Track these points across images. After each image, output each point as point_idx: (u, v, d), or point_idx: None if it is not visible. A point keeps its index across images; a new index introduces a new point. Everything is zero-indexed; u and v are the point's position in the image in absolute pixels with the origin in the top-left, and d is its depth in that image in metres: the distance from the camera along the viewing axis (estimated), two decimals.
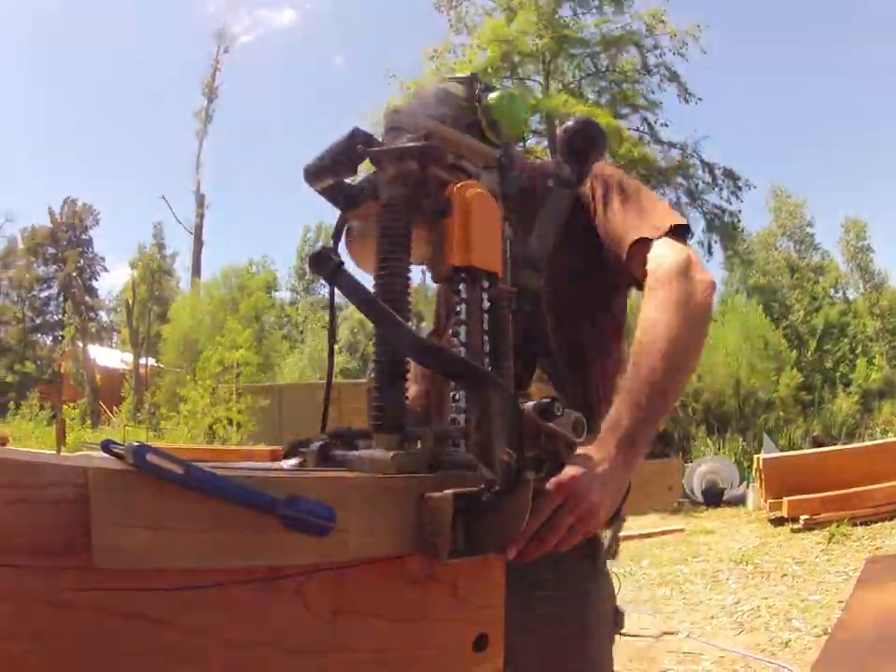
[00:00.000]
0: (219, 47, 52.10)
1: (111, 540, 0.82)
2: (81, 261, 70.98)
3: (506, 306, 1.44)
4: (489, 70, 19.51)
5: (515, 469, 1.11)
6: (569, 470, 1.32)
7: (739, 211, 22.44)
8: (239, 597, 0.96)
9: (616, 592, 1.92)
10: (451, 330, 1.40)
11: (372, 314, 1.29)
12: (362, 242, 1.50)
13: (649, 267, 1.67)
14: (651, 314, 1.61)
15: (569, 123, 1.47)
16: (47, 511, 0.82)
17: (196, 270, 47.07)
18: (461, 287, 1.39)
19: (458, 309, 1.39)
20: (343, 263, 1.38)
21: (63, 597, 0.83)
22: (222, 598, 0.95)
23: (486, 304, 1.40)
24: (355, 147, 1.40)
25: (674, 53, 21.08)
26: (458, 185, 1.40)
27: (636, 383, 1.54)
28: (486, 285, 1.40)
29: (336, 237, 1.51)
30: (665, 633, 6.12)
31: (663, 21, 20.73)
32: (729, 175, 21.67)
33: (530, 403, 1.21)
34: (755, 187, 23.03)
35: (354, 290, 1.34)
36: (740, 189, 22.10)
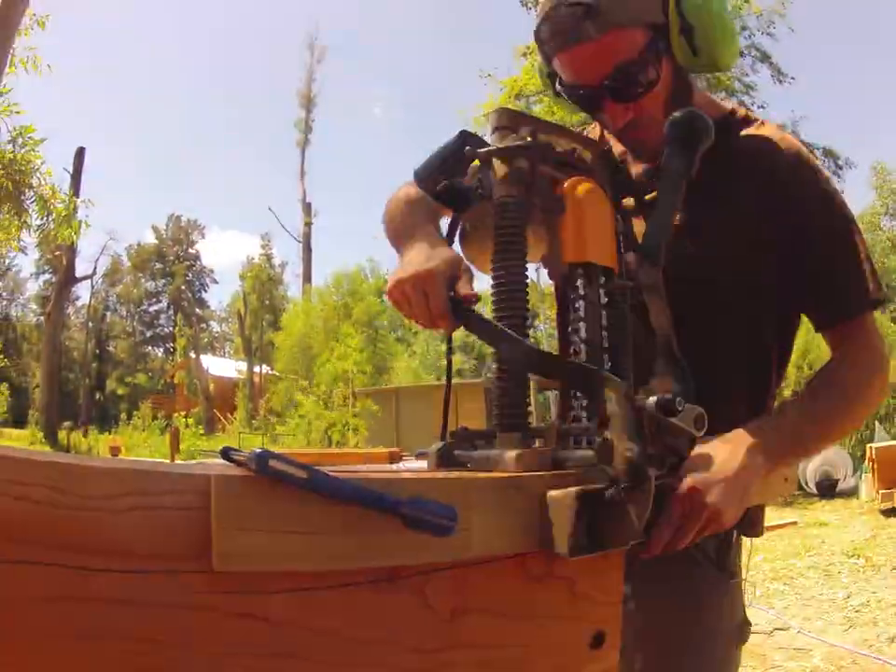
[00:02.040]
0: (312, 57, 52.73)
1: (231, 545, 0.83)
2: (189, 275, 72.46)
3: (623, 301, 1.43)
4: None
5: (638, 465, 1.10)
6: (693, 474, 1.33)
7: (842, 191, 21.89)
8: (360, 598, 0.97)
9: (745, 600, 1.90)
10: (570, 328, 1.39)
11: (486, 335, 1.31)
12: (477, 242, 1.50)
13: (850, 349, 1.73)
14: (847, 375, 1.70)
15: (676, 115, 1.45)
16: (167, 517, 0.83)
17: (307, 277, 47.70)
18: (578, 283, 1.38)
19: (577, 306, 1.38)
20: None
21: (183, 601, 0.85)
22: (343, 599, 0.95)
23: (604, 300, 1.39)
24: (464, 148, 1.40)
25: (762, 33, 20.70)
26: (569, 181, 1.39)
27: (807, 416, 1.62)
28: (603, 280, 1.39)
29: (450, 238, 1.51)
30: (777, 629, 6.04)
31: (747, 1, 20.34)
32: (829, 154, 21.21)
33: (651, 399, 1.20)
34: (856, 166, 22.46)
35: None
36: (841, 168, 21.63)
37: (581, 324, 1.37)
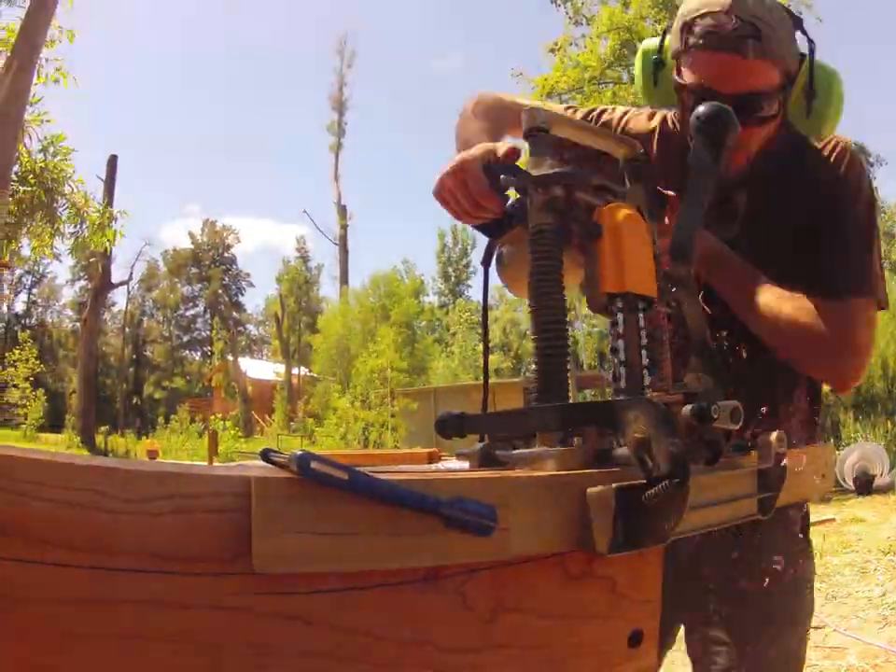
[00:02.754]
0: (342, 61, 52.91)
1: (272, 547, 0.83)
2: (226, 279, 72.94)
3: (663, 328, 1.44)
4: (613, 58, 19.32)
5: (681, 460, 1.10)
6: None
7: (876, 188, 21.69)
8: (400, 598, 0.97)
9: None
10: (611, 347, 1.39)
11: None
12: (514, 267, 1.50)
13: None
14: (806, 309, 1.74)
15: (702, 109, 1.45)
16: (207, 519, 0.83)
17: (344, 279, 47.84)
18: (618, 313, 1.38)
19: (617, 331, 1.37)
20: None
21: (222, 602, 0.85)
22: (383, 599, 0.96)
23: (643, 325, 1.38)
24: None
25: None
26: (606, 208, 1.38)
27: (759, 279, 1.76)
28: (642, 307, 1.38)
29: (486, 263, 1.52)
30: (813, 627, 5.99)
31: None
32: (860, 150, 21.02)
33: (687, 408, 1.20)
34: (886, 163, 22.23)
35: None
36: (871, 165, 21.40)
37: (621, 343, 1.36)
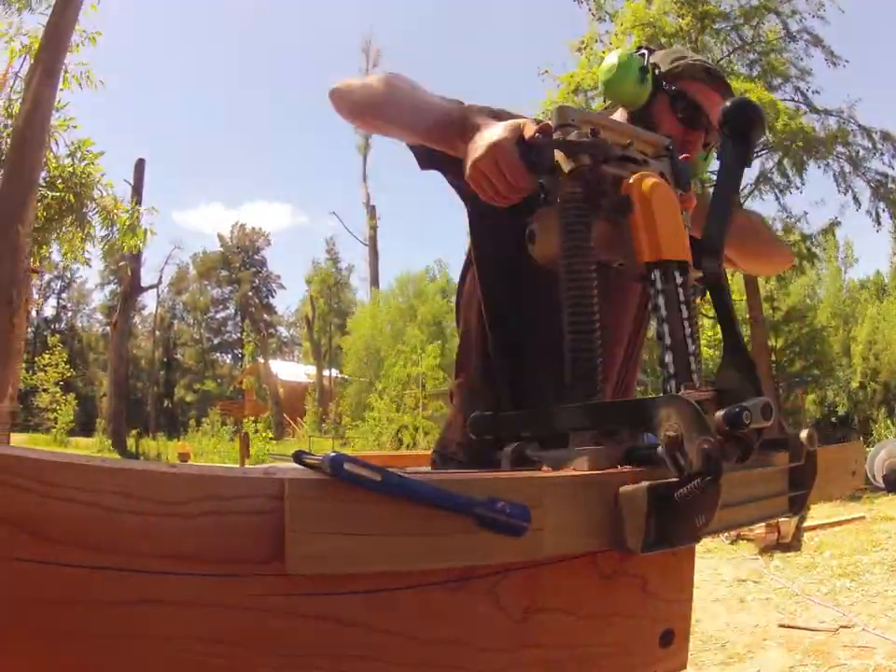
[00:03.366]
0: (368, 60, 53.01)
1: (305, 548, 0.83)
2: (256, 281, 73.16)
3: (696, 295, 1.44)
4: None
5: (714, 458, 1.09)
6: None
7: None
8: (432, 598, 0.97)
9: None
10: (656, 331, 1.39)
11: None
12: (544, 243, 1.50)
13: None
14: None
15: (727, 104, 1.47)
16: (240, 521, 0.84)
17: (374, 280, 47.85)
18: (656, 282, 1.37)
19: (658, 304, 1.37)
20: None
21: (255, 604, 0.86)
22: (416, 600, 0.96)
23: (682, 297, 1.38)
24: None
25: (812, 16, 20.36)
26: (634, 178, 1.38)
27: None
28: (678, 275, 1.38)
29: (519, 241, 1.53)
30: (843, 626, 5.95)
31: None
32: (887, 137, 20.76)
33: (720, 413, 1.19)
34: None
35: None
36: None
37: (665, 326, 1.36)
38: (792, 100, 20.22)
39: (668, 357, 1.35)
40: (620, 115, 2.22)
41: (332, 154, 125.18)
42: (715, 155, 2.03)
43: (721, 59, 19.77)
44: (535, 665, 1.07)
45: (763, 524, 8.86)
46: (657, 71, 2.18)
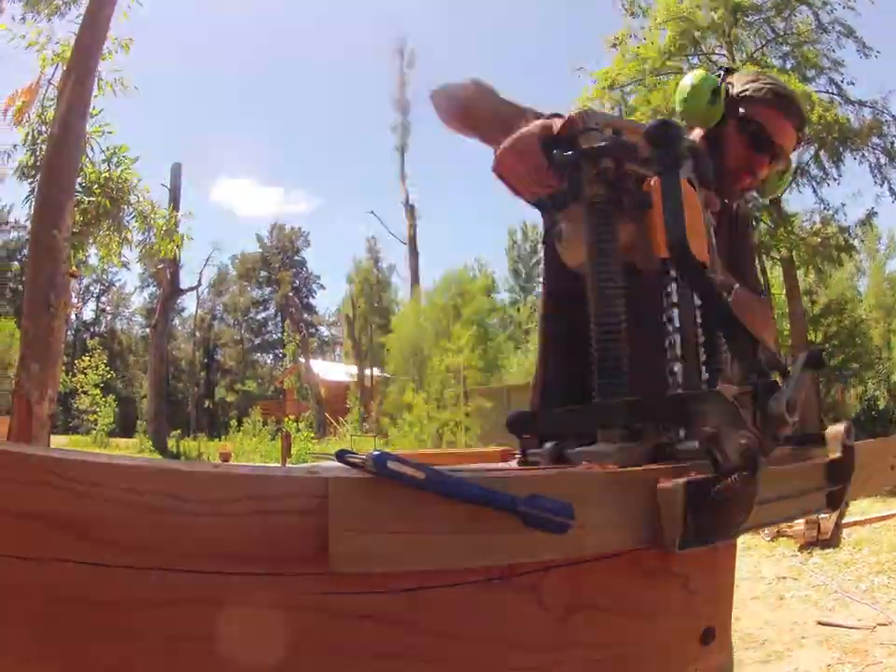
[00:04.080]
0: (402, 60, 52.95)
1: (348, 546, 0.84)
2: (296, 281, 73.27)
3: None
4: (672, 49, 19.18)
5: (753, 453, 1.09)
6: None
7: None
8: (475, 596, 0.97)
9: None
10: (668, 327, 1.40)
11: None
12: (571, 242, 1.51)
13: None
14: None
15: (650, 125, 1.50)
16: (284, 520, 0.85)
17: (414, 279, 47.76)
18: (670, 282, 1.38)
19: (669, 291, 1.38)
20: None
21: (298, 602, 0.87)
22: (458, 598, 0.96)
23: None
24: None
25: (843, 7, 20.16)
26: (657, 177, 1.38)
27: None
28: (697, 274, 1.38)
29: (547, 239, 1.55)
30: (880, 624, 5.88)
31: None
32: None
33: (775, 403, 1.18)
34: None
35: None
36: None
37: (675, 311, 1.37)
38: (826, 91, 20.05)
39: (676, 340, 1.36)
40: (696, 133, 2.31)
41: (368, 154, 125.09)
42: (790, 178, 2.18)
43: (755, 52, 19.68)
44: (576, 663, 1.07)
45: (802, 520, 8.81)
46: (729, 93, 2.26)
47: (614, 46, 20.02)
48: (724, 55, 19.89)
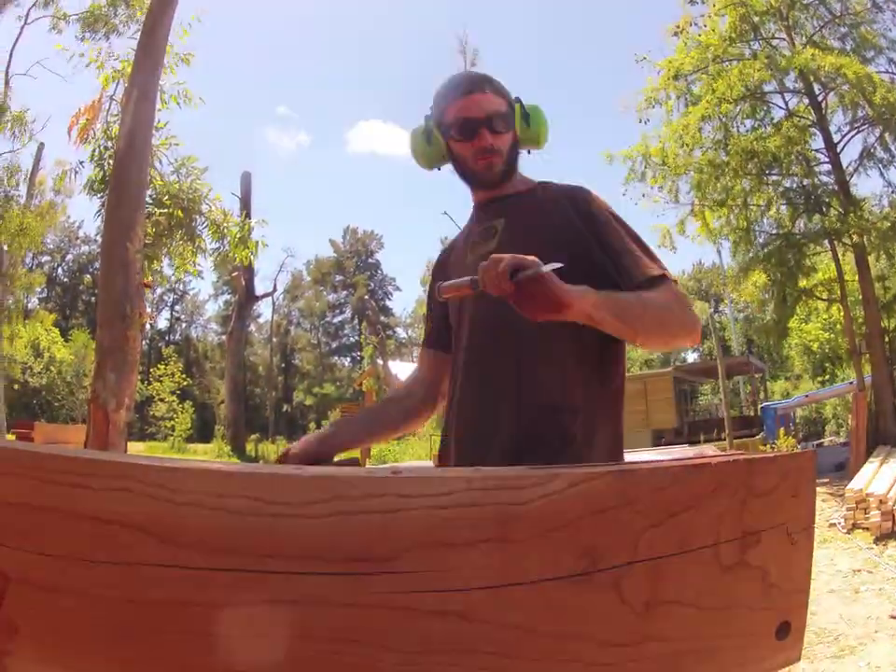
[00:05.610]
0: (465, 60, 53.05)
1: None
2: (371, 284, 73.64)
3: None
4: (733, 35, 18.90)
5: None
6: None
7: None
8: (556, 593, 0.98)
9: None
10: None
11: None
12: None
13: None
14: (666, 296, 2.03)
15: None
16: (366, 520, 0.87)
17: None
18: None
19: None
20: None
21: (380, 601, 0.88)
22: (538, 594, 0.97)
23: None
24: None
25: None
26: None
27: (626, 296, 1.95)
28: None
29: None
30: None
31: None
32: None
33: None
34: None
35: None
36: None
37: None
38: (887, 72, 19.60)
39: None
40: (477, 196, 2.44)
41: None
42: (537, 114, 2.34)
43: (814, 34, 19.29)
44: (654, 658, 1.06)
45: (878, 511, 8.69)
46: (431, 122, 2.36)
47: (675, 34, 19.79)
48: (784, 38, 19.58)
